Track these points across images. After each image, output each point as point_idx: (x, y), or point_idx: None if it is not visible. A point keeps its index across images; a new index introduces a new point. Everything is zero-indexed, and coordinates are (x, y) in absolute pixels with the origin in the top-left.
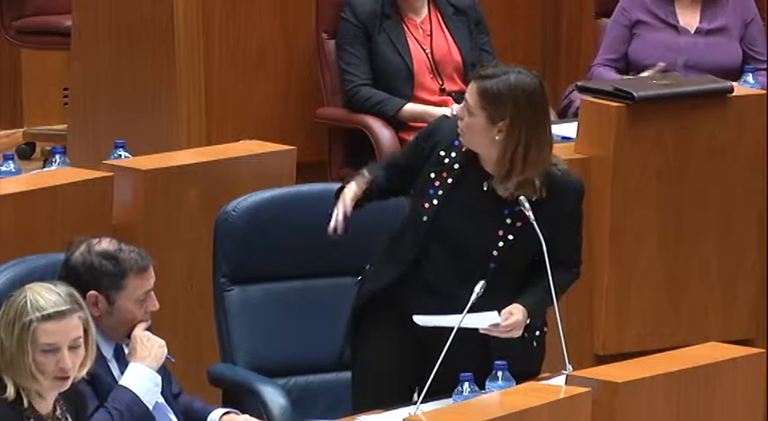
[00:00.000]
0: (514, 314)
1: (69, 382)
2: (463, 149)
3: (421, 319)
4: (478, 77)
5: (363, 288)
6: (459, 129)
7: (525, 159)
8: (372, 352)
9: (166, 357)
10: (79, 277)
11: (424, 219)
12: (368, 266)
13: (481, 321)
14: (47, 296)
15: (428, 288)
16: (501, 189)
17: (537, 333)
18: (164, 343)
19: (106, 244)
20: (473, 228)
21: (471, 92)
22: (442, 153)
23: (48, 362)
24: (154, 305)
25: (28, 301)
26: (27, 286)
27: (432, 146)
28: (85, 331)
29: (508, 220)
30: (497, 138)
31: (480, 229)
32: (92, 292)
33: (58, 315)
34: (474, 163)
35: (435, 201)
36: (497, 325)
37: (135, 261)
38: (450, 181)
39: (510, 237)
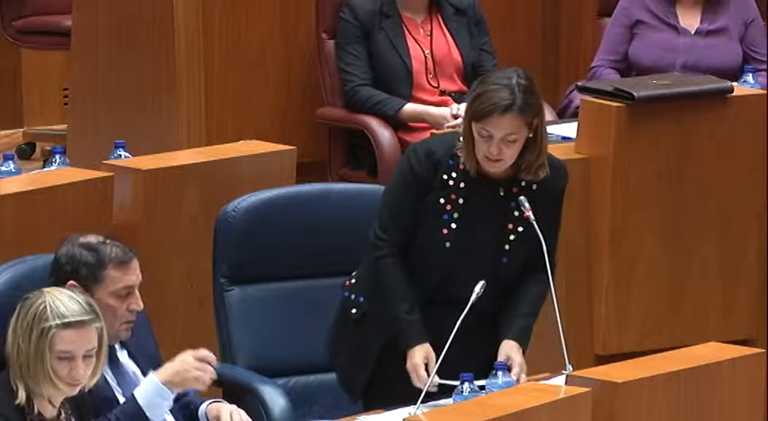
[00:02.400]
0: (513, 357)
1: (78, 389)
2: (460, 167)
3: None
4: (506, 109)
5: (383, 325)
6: (491, 163)
7: (546, 139)
8: (392, 381)
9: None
10: (61, 268)
11: (447, 245)
12: (354, 280)
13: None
14: (68, 303)
15: (449, 301)
16: (526, 178)
17: None
18: (200, 376)
19: (92, 237)
20: (488, 234)
21: (511, 122)
22: (445, 176)
23: (61, 369)
24: (137, 304)
25: (48, 307)
26: (44, 290)
27: (434, 168)
28: (99, 342)
29: (516, 213)
30: (531, 136)
31: (494, 230)
32: (71, 282)
33: (79, 324)
34: (476, 176)
35: (453, 225)
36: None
37: (116, 254)
38: (461, 201)
39: (520, 228)
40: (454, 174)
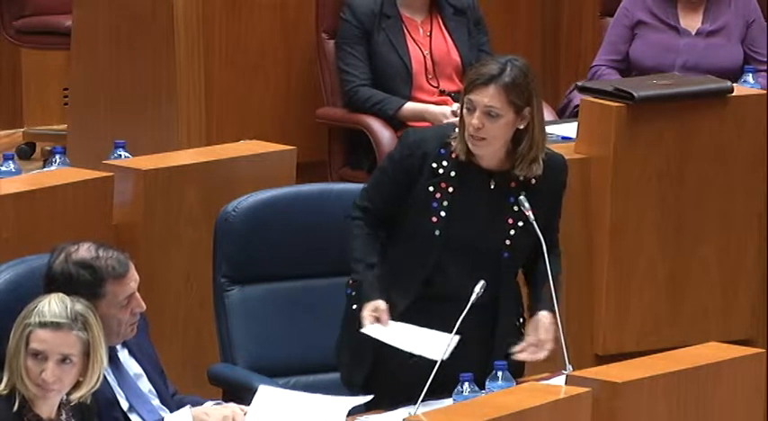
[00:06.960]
0: (549, 330)
1: (54, 395)
2: (453, 155)
3: (372, 331)
4: (490, 79)
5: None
6: (474, 140)
7: (542, 133)
8: (392, 378)
9: None
10: (59, 287)
11: (437, 233)
12: (351, 281)
13: (435, 344)
14: (53, 306)
15: (441, 297)
16: (521, 173)
17: (522, 322)
18: None
19: (84, 251)
20: (484, 226)
21: (494, 95)
22: (434, 165)
23: (34, 369)
24: (140, 306)
25: (38, 306)
26: (54, 294)
27: (421, 159)
28: (87, 354)
29: (515, 208)
30: (521, 126)
31: (491, 224)
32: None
33: (53, 325)
34: (468, 165)
35: (443, 213)
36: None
37: (112, 268)
38: (450, 189)
39: (520, 223)
40: (445, 163)
